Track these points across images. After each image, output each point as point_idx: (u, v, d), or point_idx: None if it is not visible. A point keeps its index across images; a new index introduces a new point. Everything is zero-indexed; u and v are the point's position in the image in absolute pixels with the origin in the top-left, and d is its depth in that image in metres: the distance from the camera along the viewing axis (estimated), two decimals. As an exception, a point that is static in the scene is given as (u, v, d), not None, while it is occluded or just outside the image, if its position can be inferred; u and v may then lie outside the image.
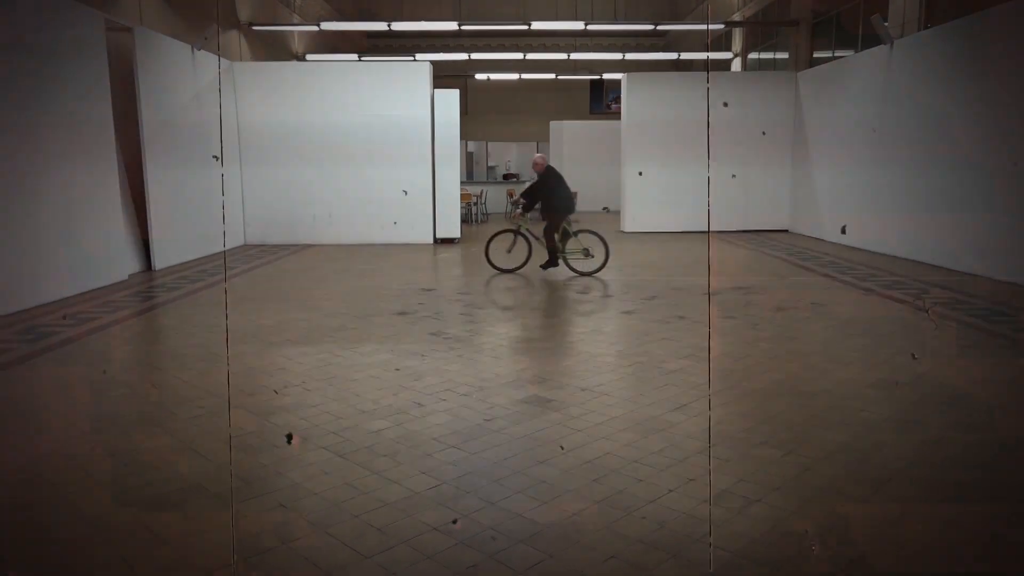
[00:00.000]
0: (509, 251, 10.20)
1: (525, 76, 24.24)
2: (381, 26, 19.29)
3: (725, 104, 14.74)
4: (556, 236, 10.02)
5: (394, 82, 13.88)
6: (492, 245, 10.32)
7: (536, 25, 18.16)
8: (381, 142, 13.81)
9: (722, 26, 21.40)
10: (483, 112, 28.11)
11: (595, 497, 3.50)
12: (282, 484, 3.69)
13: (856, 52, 14.24)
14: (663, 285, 9.38)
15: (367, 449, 4.09)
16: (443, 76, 19.84)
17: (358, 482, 3.67)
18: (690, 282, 9.61)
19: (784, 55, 18.78)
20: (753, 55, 20.89)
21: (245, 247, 13.65)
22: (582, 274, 10.01)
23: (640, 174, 15.39)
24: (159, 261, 10.72)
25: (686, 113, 14.99)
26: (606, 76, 25.18)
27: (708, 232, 15.69)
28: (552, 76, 24.74)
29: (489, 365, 5.83)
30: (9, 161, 7.69)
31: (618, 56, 21.13)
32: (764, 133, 15.17)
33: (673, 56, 22.03)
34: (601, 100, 28.54)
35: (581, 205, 20.68)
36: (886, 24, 11.93)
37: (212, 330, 6.98)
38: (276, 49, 19.73)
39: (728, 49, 21.97)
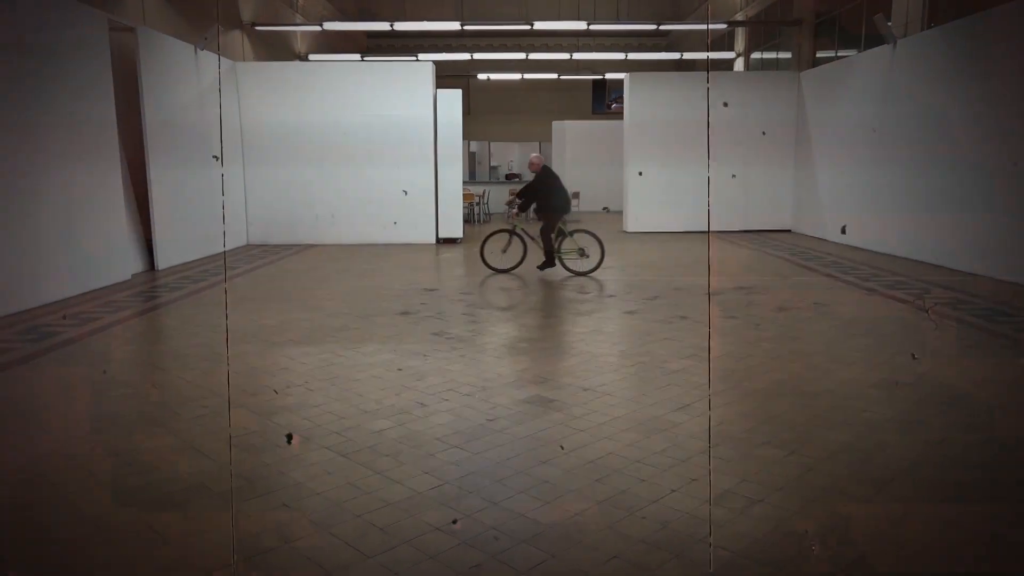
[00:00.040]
0: (504, 251, 10.21)
1: (527, 76, 24.23)
2: (383, 26, 19.30)
3: (725, 104, 14.72)
4: (553, 236, 10.02)
5: (397, 82, 13.89)
6: (487, 245, 10.33)
7: (538, 25, 18.15)
8: (383, 142, 13.82)
9: (724, 26, 21.39)
10: (485, 112, 28.11)
11: (598, 497, 3.50)
12: (285, 484, 3.69)
13: (859, 52, 14.23)
14: (665, 285, 9.37)
15: (370, 449, 4.09)
16: (445, 76, 19.85)
17: (361, 482, 3.67)
18: (692, 282, 9.60)
19: (787, 55, 18.76)
20: (756, 55, 20.87)
21: (248, 247, 13.66)
22: (578, 274, 10.02)
23: (640, 174, 15.38)
24: (162, 261, 10.73)
25: (688, 113, 14.97)
26: (608, 76, 25.16)
27: (708, 232, 15.68)
28: (554, 76, 24.73)
29: (491, 365, 5.83)
30: (12, 161, 7.70)
31: (620, 56, 21.12)
32: (764, 133, 15.15)
33: (675, 56, 22.02)
34: (603, 100, 28.53)
35: (584, 205, 20.82)
36: (889, 24, 11.91)
37: (215, 330, 6.99)
38: (279, 49, 19.75)
39: (731, 49, 21.96)
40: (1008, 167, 9.09)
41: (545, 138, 24.64)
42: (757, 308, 7.86)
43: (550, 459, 3.94)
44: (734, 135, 15.10)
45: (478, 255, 10.26)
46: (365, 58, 23.23)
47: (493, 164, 26.56)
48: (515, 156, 25.75)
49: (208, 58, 12.46)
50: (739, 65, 21.25)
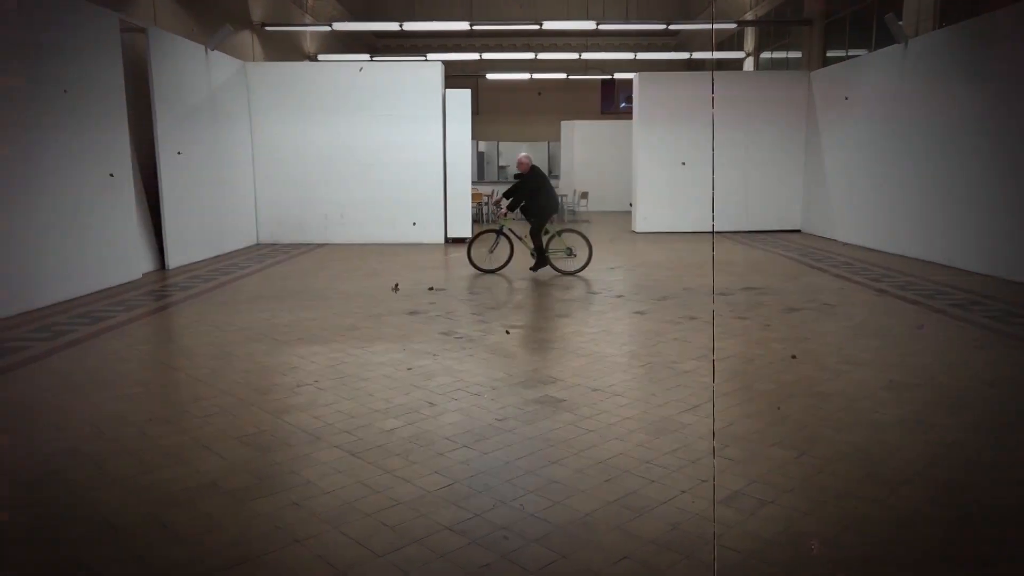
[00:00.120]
0: (491, 251, 10.22)
1: (536, 76, 24.23)
2: (393, 26, 19.31)
3: (847, 98, 14.60)
4: (542, 236, 10.02)
5: (406, 82, 13.92)
6: (474, 245, 10.33)
7: (547, 25, 18.15)
8: (392, 142, 13.85)
9: (734, 25, 21.32)
10: (494, 112, 28.13)
11: (607, 498, 3.50)
12: (295, 482, 3.70)
13: (870, 51, 14.16)
14: (674, 285, 9.36)
15: (380, 448, 4.10)
16: (454, 76, 19.88)
17: (370, 481, 3.68)
18: (701, 282, 9.58)
19: (797, 54, 18.69)
20: (766, 54, 20.80)
21: (258, 246, 13.71)
22: (565, 273, 10.03)
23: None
24: (172, 260, 10.79)
25: (698, 113, 14.95)
26: (617, 76, 25.14)
27: (712, 232, 15.63)
28: (563, 76, 24.72)
29: (500, 365, 5.84)
30: (25, 160, 7.76)
31: (629, 56, 21.08)
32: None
33: (685, 56, 21.96)
34: (612, 100, 28.49)
35: (593, 205, 20.80)
36: (900, 23, 11.86)
37: (225, 329, 7.02)
38: (288, 49, 19.82)
39: (740, 48, 21.89)
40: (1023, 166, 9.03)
41: (554, 138, 24.64)
42: (767, 308, 7.83)
43: (560, 459, 3.94)
44: (744, 135, 15.06)
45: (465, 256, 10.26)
46: (374, 58, 23.28)
47: (502, 164, 26.59)
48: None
49: (219, 58, 12.52)
50: (749, 65, 21.19)
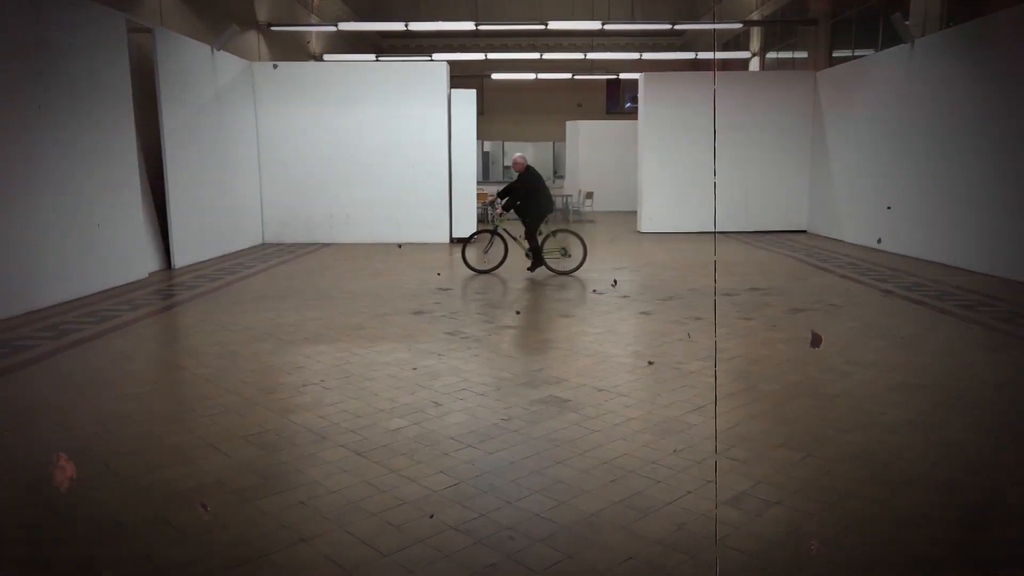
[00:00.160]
0: (486, 252, 10.21)
1: (541, 76, 24.23)
2: (398, 26, 19.34)
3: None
4: (538, 236, 10.02)
5: (411, 82, 13.93)
6: (469, 246, 10.33)
7: (553, 25, 18.15)
8: (398, 142, 13.87)
9: (740, 25, 21.28)
10: (499, 112, 28.13)
11: (613, 498, 3.50)
12: (301, 481, 3.71)
13: (876, 51, 14.12)
14: (680, 286, 9.34)
15: (385, 447, 4.11)
16: (459, 76, 19.88)
17: (376, 480, 3.69)
18: (707, 283, 9.56)
19: (803, 54, 18.65)
20: (771, 54, 20.76)
21: (263, 246, 13.74)
22: (560, 273, 10.03)
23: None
24: (178, 260, 10.82)
25: (703, 113, 14.93)
26: (623, 76, 25.12)
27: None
28: (569, 76, 24.71)
29: (505, 365, 5.84)
30: (32, 160, 7.79)
31: (635, 56, 21.06)
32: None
33: (690, 56, 21.93)
34: (618, 100, 28.47)
35: (598, 205, 20.78)
36: (907, 23, 11.82)
37: (230, 328, 7.04)
38: (294, 49, 19.85)
39: (746, 48, 21.84)
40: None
41: (559, 138, 24.64)
42: (772, 309, 7.82)
43: (565, 459, 3.94)
44: (750, 135, 15.03)
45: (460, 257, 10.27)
46: (380, 58, 23.31)
47: (506, 164, 26.58)
48: (529, 156, 25.77)
49: (225, 58, 12.55)
50: (754, 65, 21.14)
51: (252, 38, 16.99)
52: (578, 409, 4.71)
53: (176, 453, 4.07)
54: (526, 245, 10.17)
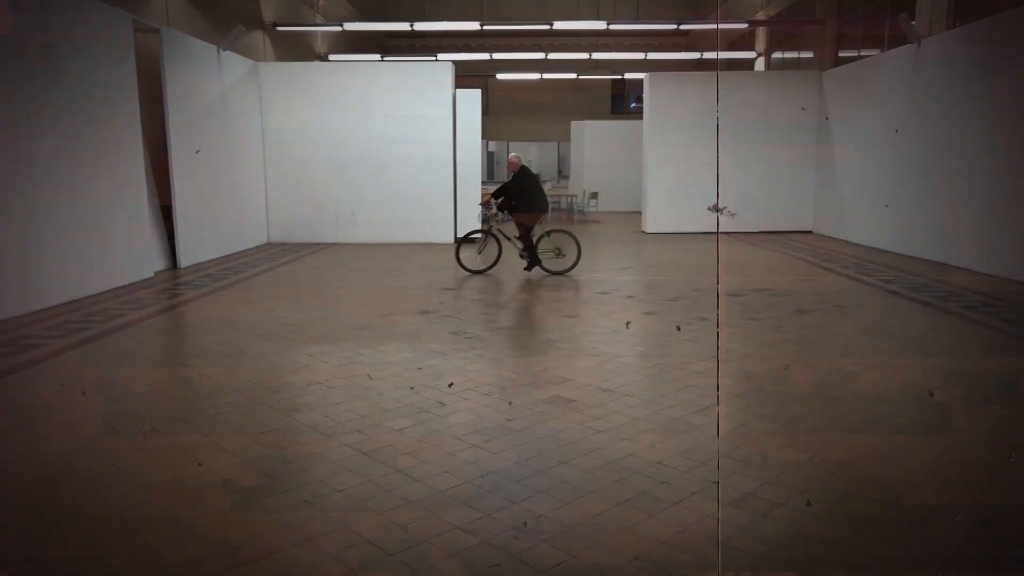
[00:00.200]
0: (480, 252, 10.22)
1: (546, 76, 24.22)
2: (403, 26, 19.37)
3: (804, 108, 14.73)
4: (533, 236, 10.02)
5: (416, 82, 13.94)
6: (463, 246, 10.33)
7: (558, 25, 18.16)
8: (403, 142, 13.87)
9: (745, 26, 21.24)
10: (504, 112, 28.13)
11: (618, 498, 3.50)
12: (307, 481, 3.72)
13: (882, 51, 14.08)
14: (685, 286, 9.34)
15: (390, 447, 4.11)
16: (464, 76, 19.89)
17: (381, 480, 3.69)
18: (712, 283, 9.55)
19: (809, 54, 18.60)
20: (777, 54, 20.72)
21: (268, 246, 13.77)
22: (554, 273, 10.03)
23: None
24: (184, 259, 10.85)
25: (709, 113, 14.89)
26: (628, 76, 25.09)
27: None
28: (574, 76, 24.69)
29: (510, 365, 5.84)
30: (38, 159, 7.82)
31: (640, 56, 21.04)
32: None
33: (696, 56, 21.90)
34: (623, 100, 28.45)
35: (603, 205, 20.76)
36: (913, 23, 11.79)
37: (236, 327, 7.06)
38: (300, 49, 19.88)
39: (752, 48, 21.80)
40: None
41: (564, 138, 24.61)
42: (778, 310, 7.80)
43: (570, 460, 3.94)
44: (754, 135, 14.99)
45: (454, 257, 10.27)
46: (385, 58, 23.34)
47: (511, 164, 26.49)
48: (534, 156, 25.77)
49: (231, 58, 12.57)
50: (760, 65, 21.10)
51: (258, 38, 17.03)
52: (583, 409, 4.71)
53: (182, 452, 4.08)
54: (520, 245, 10.18)
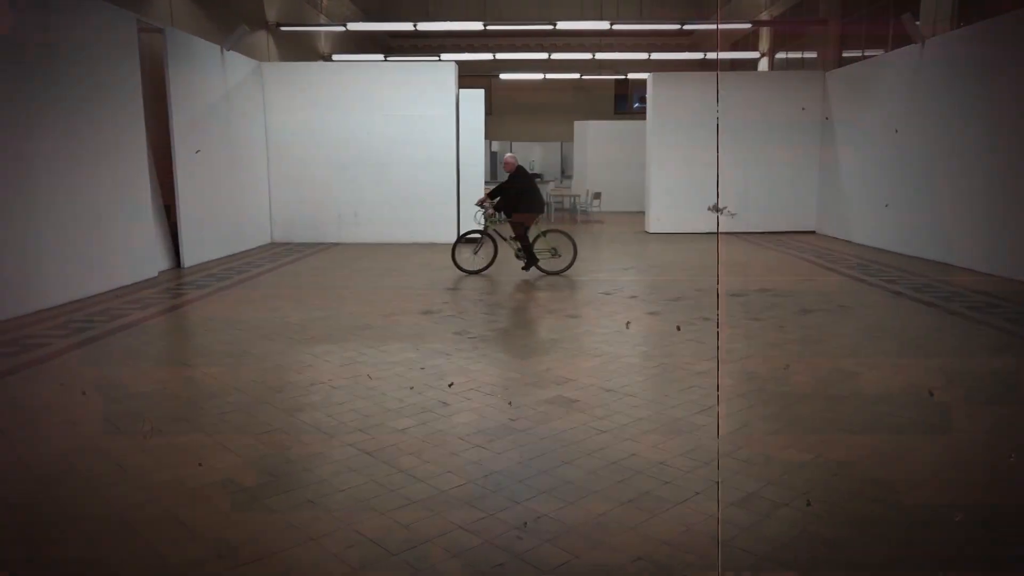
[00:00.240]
0: (476, 252, 10.23)
1: (550, 76, 24.21)
2: (407, 26, 19.39)
3: (804, 108, 14.74)
4: (529, 236, 10.02)
5: (419, 82, 13.94)
6: (459, 246, 10.33)
7: (561, 25, 18.15)
8: (406, 142, 13.88)
9: (749, 25, 21.22)
10: (507, 112, 28.12)
11: (621, 498, 3.49)
12: (310, 480, 3.72)
13: (886, 52, 14.06)
14: (688, 286, 9.33)
15: (393, 447, 4.11)
16: (468, 76, 19.90)
17: (384, 480, 3.70)
18: (715, 283, 9.54)
19: (812, 55, 18.58)
20: (780, 55, 20.69)
21: (272, 245, 13.79)
22: (550, 273, 10.02)
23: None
24: (188, 259, 10.87)
25: (712, 113, 14.87)
26: (631, 76, 25.08)
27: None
28: (577, 76, 24.68)
29: (513, 365, 5.84)
30: (42, 159, 7.84)
31: (643, 56, 21.02)
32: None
33: (699, 56, 21.88)
34: (626, 100, 28.43)
35: (606, 205, 20.75)
36: (917, 23, 11.76)
37: (239, 327, 7.07)
38: (303, 49, 19.90)
39: (755, 48, 21.78)
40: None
41: (567, 138, 24.59)
42: (781, 310, 7.80)
43: (573, 460, 3.94)
44: (757, 135, 14.98)
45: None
46: (388, 58, 23.36)
47: (511, 164, 26.46)
48: (537, 156, 25.76)
49: (234, 58, 12.59)
50: (764, 65, 21.08)
51: (262, 38, 17.05)
52: (586, 409, 4.71)
53: (185, 451, 4.09)
54: (516, 246, 10.19)
